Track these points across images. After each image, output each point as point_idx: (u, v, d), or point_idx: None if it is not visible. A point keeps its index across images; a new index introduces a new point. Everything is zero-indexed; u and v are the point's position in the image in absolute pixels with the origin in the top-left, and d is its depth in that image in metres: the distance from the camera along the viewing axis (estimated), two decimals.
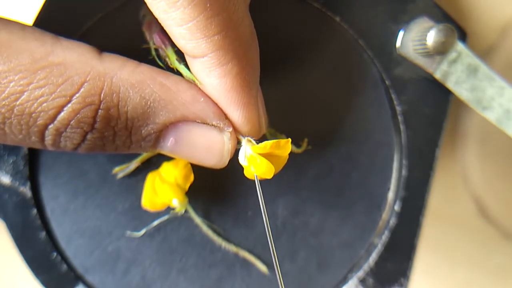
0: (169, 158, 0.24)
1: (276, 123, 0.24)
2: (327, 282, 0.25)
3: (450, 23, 0.23)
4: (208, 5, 0.17)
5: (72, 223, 0.24)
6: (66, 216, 0.24)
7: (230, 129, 0.20)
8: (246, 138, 0.20)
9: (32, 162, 0.24)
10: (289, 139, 0.20)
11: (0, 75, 0.18)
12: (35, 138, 0.19)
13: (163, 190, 0.23)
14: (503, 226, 0.37)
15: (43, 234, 0.24)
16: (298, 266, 0.25)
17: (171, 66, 0.21)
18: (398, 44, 0.25)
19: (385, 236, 0.25)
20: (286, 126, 0.24)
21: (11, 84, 0.18)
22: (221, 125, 0.20)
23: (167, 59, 0.21)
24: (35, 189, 0.24)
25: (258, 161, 0.20)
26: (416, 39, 0.24)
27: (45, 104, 0.18)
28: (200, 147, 0.20)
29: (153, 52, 0.22)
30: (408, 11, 0.24)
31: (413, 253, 0.25)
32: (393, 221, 0.25)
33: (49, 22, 0.23)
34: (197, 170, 0.24)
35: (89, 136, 0.19)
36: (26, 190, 0.24)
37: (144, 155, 0.24)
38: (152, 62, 0.20)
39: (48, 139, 0.19)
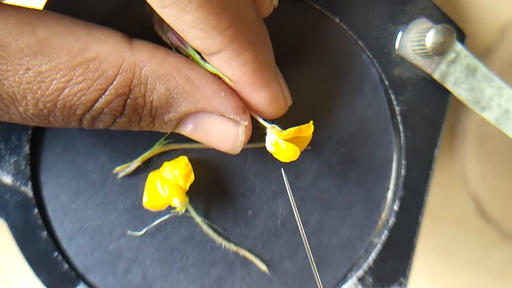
0: (170, 158, 0.24)
1: (276, 123, 0.24)
2: (327, 281, 0.25)
3: (448, 24, 0.23)
4: (215, 3, 0.18)
5: (73, 222, 0.25)
6: (67, 215, 0.25)
7: (246, 123, 0.21)
8: (270, 125, 0.22)
9: (33, 162, 0.24)
10: (311, 122, 0.22)
11: (44, 74, 0.19)
12: (74, 124, 0.21)
13: (164, 190, 0.23)
14: (501, 226, 0.37)
15: (44, 233, 0.24)
16: (297, 265, 0.25)
17: None
18: (397, 45, 0.25)
19: (384, 236, 0.25)
20: (285, 126, 0.25)
21: (54, 82, 0.19)
22: (238, 119, 0.21)
23: (189, 58, 0.22)
24: (37, 188, 0.24)
25: (283, 147, 0.21)
26: (415, 40, 0.24)
27: (83, 98, 0.20)
28: (216, 136, 0.22)
29: (173, 50, 0.22)
30: (407, 12, 0.25)
31: (412, 253, 0.25)
32: (392, 221, 0.25)
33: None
34: (198, 170, 0.24)
35: (118, 120, 0.21)
36: (27, 190, 0.24)
37: (145, 155, 0.24)
38: None
39: (84, 124, 0.21)
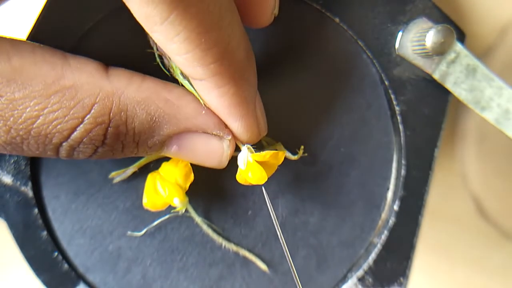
0: (169, 159, 0.24)
1: (275, 123, 0.24)
2: (327, 281, 0.25)
3: (449, 24, 0.23)
4: (202, 40, 0.18)
5: (73, 222, 0.25)
6: (67, 215, 0.25)
7: (229, 137, 0.21)
8: (246, 146, 0.22)
9: (33, 162, 0.24)
10: (285, 152, 0.23)
11: (17, 101, 0.19)
12: (50, 153, 0.20)
13: (164, 190, 0.23)
14: (501, 226, 0.37)
15: (44, 233, 0.24)
16: (297, 265, 0.25)
17: (175, 77, 0.21)
18: (397, 45, 0.25)
19: (384, 236, 0.25)
20: (285, 127, 0.25)
21: (27, 110, 0.19)
22: (221, 134, 0.21)
23: (171, 69, 0.22)
24: (37, 188, 0.24)
25: (254, 168, 0.21)
26: (415, 40, 0.24)
27: (59, 126, 0.19)
28: (201, 153, 0.22)
29: (158, 60, 0.22)
30: (407, 12, 0.25)
31: (412, 253, 0.25)
32: (392, 221, 0.25)
33: (44, 32, 0.23)
34: (197, 170, 0.24)
35: (99, 149, 0.20)
36: (27, 190, 0.24)
37: (141, 161, 0.24)
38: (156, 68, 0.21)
39: (62, 153, 0.20)
